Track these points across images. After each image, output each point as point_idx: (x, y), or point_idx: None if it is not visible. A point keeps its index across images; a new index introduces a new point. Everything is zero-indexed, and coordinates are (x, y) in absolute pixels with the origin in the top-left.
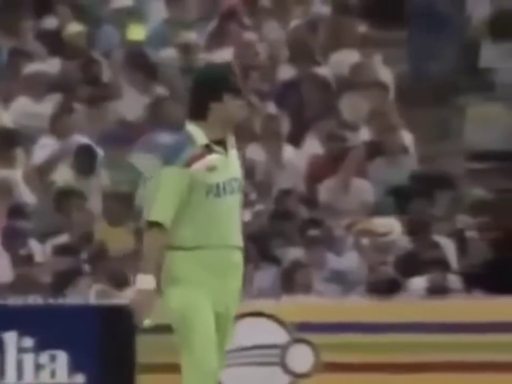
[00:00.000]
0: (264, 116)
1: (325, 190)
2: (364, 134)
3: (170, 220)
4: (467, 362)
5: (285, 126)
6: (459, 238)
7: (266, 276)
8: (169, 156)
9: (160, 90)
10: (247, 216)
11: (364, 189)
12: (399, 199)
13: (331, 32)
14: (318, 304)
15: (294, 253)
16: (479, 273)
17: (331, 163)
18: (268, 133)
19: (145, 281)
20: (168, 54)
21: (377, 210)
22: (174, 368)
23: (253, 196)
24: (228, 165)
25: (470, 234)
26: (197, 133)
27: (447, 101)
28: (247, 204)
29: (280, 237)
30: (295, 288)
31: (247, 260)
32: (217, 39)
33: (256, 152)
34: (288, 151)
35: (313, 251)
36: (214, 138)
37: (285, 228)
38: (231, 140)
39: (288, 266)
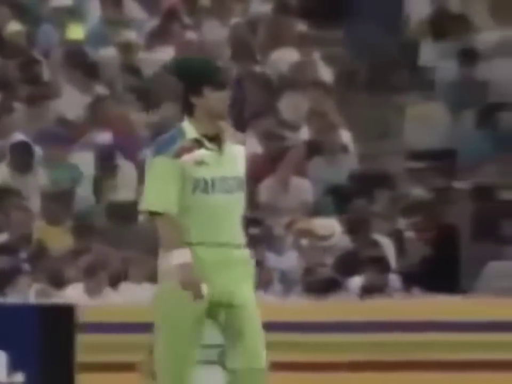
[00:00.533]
0: None
1: (264, 189)
2: (303, 133)
3: (172, 204)
4: (405, 361)
5: None
6: (398, 237)
7: None
8: (159, 148)
9: (100, 89)
10: None
11: (304, 188)
12: (339, 198)
13: (271, 30)
14: (258, 304)
15: None
16: (417, 272)
17: (270, 162)
18: None
19: (180, 255)
20: (108, 53)
21: (316, 209)
22: (113, 367)
23: None
24: (221, 163)
25: (408, 233)
26: (188, 128)
27: (387, 100)
28: None
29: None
30: None
31: None
32: (157, 38)
33: None
34: None
35: (254, 250)
36: (205, 134)
37: None
38: (230, 137)
39: None
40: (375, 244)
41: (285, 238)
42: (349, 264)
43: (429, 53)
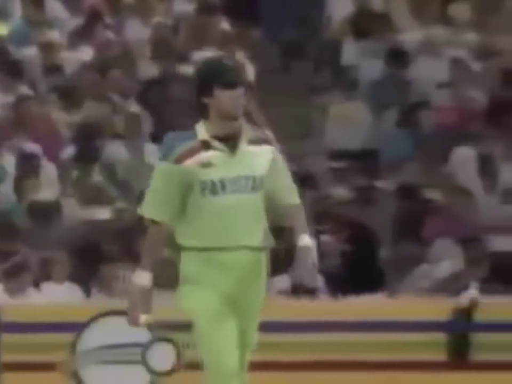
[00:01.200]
0: (126, 114)
1: None
2: None
3: (165, 214)
4: (330, 361)
5: (147, 124)
6: (317, 237)
7: (130, 274)
8: (164, 152)
9: (24, 89)
10: (108, 213)
11: None
12: None
13: (193, 30)
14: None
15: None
16: (338, 273)
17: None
18: (130, 131)
19: (141, 277)
20: (31, 52)
21: None
22: (36, 366)
23: (114, 194)
24: (233, 163)
25: (329, 233)
26: (201, 129)
27: (309, 99)
28: (108, 201)
29: (144, 235)
30: (161, 286)
31: (111, 258)
32: (80, 38)
33: (118, 150)
34: (150, 149)
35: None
36: (217, 134)
37: (147, 226)
38: (248, 136)
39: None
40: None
41: None
42: (272, 264)
43: (352, 52)
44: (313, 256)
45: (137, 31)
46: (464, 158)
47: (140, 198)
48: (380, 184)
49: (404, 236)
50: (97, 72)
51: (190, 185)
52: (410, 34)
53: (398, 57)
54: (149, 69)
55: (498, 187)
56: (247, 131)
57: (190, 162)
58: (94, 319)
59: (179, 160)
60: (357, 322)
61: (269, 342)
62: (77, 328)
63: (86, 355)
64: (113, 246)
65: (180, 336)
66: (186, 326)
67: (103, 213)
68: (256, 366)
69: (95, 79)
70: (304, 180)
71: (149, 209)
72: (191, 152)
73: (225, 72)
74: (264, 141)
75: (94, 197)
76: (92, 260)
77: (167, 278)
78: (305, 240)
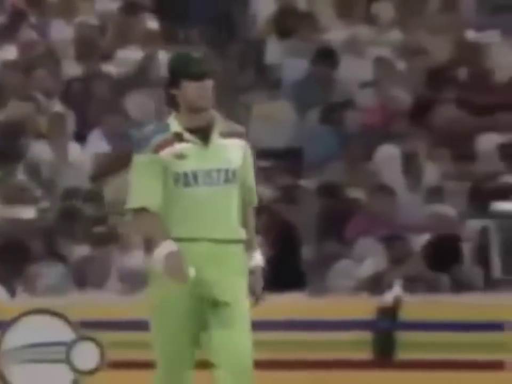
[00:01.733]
0: (50, 113)
1: (111, 188)
2: None
3: (155, 201)
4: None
5: (71, 123)
6: None
7: (54, 273)
8: (139, 145)
9: None
10: (32, 213)
11: None
12: None
13: (118, 29)
14: (105, 302)
15: (80, 251)
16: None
17: (117, 160)
18: (54, 130)
19: (165, 245)
20: None
21: None
22: None
23: (38, 193)
24: (205, 155)
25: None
26: (173, 122)
27: (233, 98)
28: (32, 200)
29: (67, 235)
30: (82, 285)
31: (35, 257)
32: (3, 37)
33: (42, 149)
34: (74, 149)
35: (100, 249)
36: (189, 126)
37: (71, 226)
38: (221, 128)
39: (75, 263)
40: None
41: (131, 237)
42: None
43: (275, 52)
44: (259, 277)
45: (61, 31)
46: (388, 157)
47: (64, 197)
48: (303, 183)
49: (327, 234)
50: (21, 72)
51: (165, 176)
52: (335, 34)
53: (325, 57)
54: (73, 69)
55: (422, 186)
56: (220, 123)
57: (166, 153)
58: (17, 318)
59: (156, 150)
60: (281, 322)
61: None
62: (1, 327)
63: (10, 354)
64: (37, 245)
65: (103, 335)
66: (109, 325)
67: (27, 212)
68: None
69: (19, 79)
70: None
71: (138, 199)
72: (166, 143)
73: (191, 64)
74: (237, 135)
75: (17, 196)
76: (16, 259)
77: (91, 276)
78: (257, 259)
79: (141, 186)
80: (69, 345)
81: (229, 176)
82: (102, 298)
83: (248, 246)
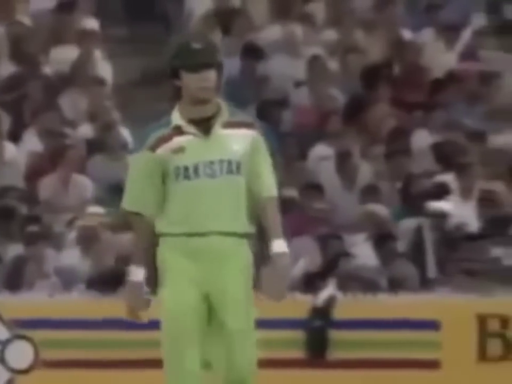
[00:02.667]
0: None
1: (44, 186)
2: (84, 131)
3: (146, 204)
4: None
5: (5, 123)
6: None
7: None
8: (142, 142)
9: None
10: None
11: (84, 186)
12: (120, 195)
13: (53, 27)
14: (39, 301)
15: (14, 250)
16: None
17: (51, 159)
18: None
19: (133, 272)
20: None
21: (97, 206)
22: None
23: None
24: (207, 146)
25: None
26: (175, 113)
27: (167, 96)
28: None
29: (1, 234)
30: (17, 284)
31: None
32: None
33: None
34: (9, 148)
35: (33, 247)
36: (191, 117)
37: (5, 225)
38: (225, 119)
39: (9, 262)
40: None
41: (65, 235)
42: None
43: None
44: (285, 267)
45: None
46: (322, 156)
47: None
48: None
49: (261, 234)
50: None
51: (166, 173)
52: (269, 32)
53: (251, 53)
54: (6, 68)
55: (356, 185)
56: (225, 114)
57: (163, 150)
58: None
59: (152, 148)
60: None
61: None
62: None
63: None
64: None
65: (37, 334)
66: (43, 323)
67: None
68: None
69: None
70: None
71: (131, 202)
72: (164, 139)
73: (189, 56)
74: (245, 125)
75: None
76: None
77: (25, 275)
78: (278, 246)
79: (135, 188)
80: (3, 344)
81: (232, 167)
82: (36, 297)
83: (268, 236)
